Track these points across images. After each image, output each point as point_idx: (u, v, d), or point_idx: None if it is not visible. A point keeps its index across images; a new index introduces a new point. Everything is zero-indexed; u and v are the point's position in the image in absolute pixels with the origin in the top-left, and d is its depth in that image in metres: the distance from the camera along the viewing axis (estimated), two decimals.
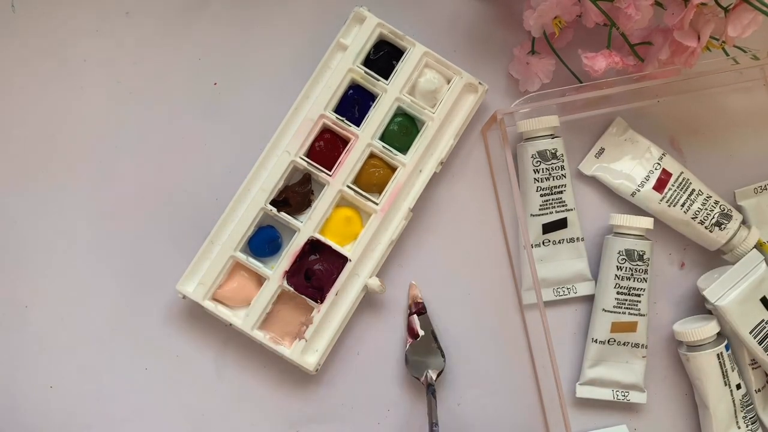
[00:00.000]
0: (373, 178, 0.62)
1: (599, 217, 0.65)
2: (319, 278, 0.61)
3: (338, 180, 0.61)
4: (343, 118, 0.62)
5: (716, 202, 0.63)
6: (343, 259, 0.61)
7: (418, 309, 0.62)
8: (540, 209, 0.62)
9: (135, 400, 0.62)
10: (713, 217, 0.62)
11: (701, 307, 0.65)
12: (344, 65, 0.62)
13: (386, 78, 0.62)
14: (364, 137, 0.61)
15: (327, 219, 0.62)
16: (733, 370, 0.61)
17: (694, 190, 0.63)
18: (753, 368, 0.63)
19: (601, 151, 0.65)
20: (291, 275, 0.61)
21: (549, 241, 0.63)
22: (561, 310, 0.65)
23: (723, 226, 0.62)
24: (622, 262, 0.61)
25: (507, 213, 0.64)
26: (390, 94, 0.62)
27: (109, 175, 0.63)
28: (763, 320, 0.60)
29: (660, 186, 0.63)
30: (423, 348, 0.61)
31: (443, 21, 0.65)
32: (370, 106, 0.62)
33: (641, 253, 0.61)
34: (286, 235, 0.62)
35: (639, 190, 0.63)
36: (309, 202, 0.62)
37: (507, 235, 0.65)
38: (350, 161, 0.61)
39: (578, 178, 0.65)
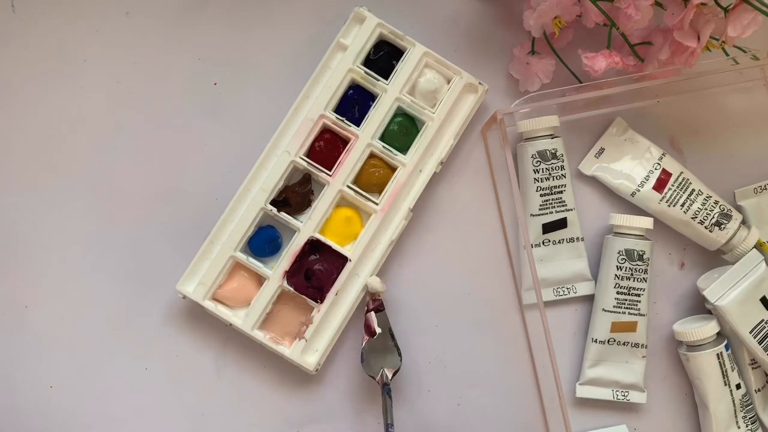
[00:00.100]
0: (373, 178, 0.62)
1: (599, 217, 0.65)
2: (319, 278, 0.61)
3: (338, 180, 0.61)
4: (343, 118, 0.62)
5: (716, 202, 0.63)
6: (343, 259, 0.61)
7: (376, 306, 0.61)
8: (540, 209, 0.63)
9: (135, 400, 0.62)
10: (713, 217, 0.62)
11: (701, 307, 0.65)
12: (344, 65, 0.62)
13: (386, 78, 0.62)
14: (364, 137, 0.61)
15: (327, 219, 0.62)
16: (732, 370, 0.61)
17: (694, 190, 0.63)
18: (753, 368, 0.63)
19: (601, 151, 0.65)
20: (291, 275, 0.61)
21: (549, 241, 0.63)
22: (561, 310, 0.65)
23: (723, 226, 0.62)
24: (622, 262, 0.61)
25: (507, 213, 0.64)
26: (390, 94, 0.62)
27: (109, 175, 0.63)
28: (762, 320, 0.60)
29: (660, 186, 0.63)
30: (380, 346, 0.60)
31: (443, 21, 0.65)
32: (370, 106, 0.62)
33: (641, 253, 0.61)
34: (286, 235, 0.62)
35: (639, 190, 0.63)
36: (309, 202, 0.62)
37: (507, 235, 0.65)
38: (350, 161, 0.61)
39: (578, 178, 0.65)
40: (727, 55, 0.61)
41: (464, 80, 0.62)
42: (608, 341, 0.62)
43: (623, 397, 0.63)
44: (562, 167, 0.62)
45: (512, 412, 0.64)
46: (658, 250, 0.65)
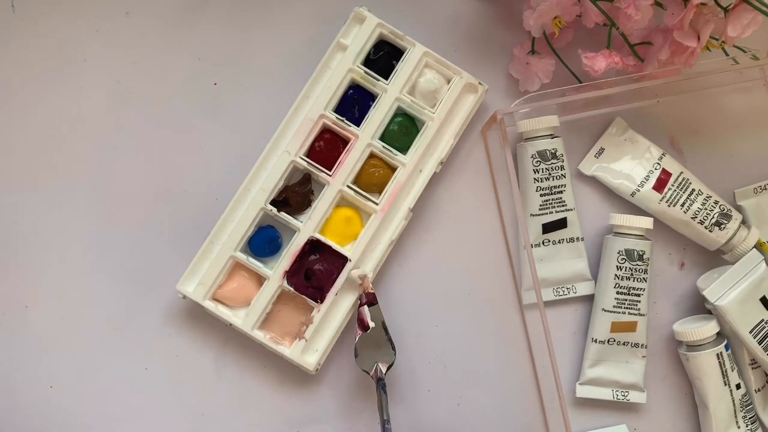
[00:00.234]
0: (373, 178, 0.62)
1: (599, 217, 0.65)
2: (319, 278, 0.61)
3: (338, 180, 0.61)
4: (343, 118, 0.62)
5: (716, 202, 0.63)
6: (343, 259, 0.61)
7: (369, 300, 0.60)
8: (540, 209, 0.63)
9: (135, 400, 0.62)
10: (713, 217, 0.62)
11: (701, 307, 0.65)
12: (344, 65, 0.62)
13: (386, 78, 0.62)
14: (364, 137, 0.61)
15: (327, 219, 0.62)
16: (732, 370, 0.61)
17: (693, 190, 0.63)
18: (753, 368, 0.63)
19: (601, 151, 0.65)
20: (291, 275, 0.61)
21: (549, 241, 0.63)
22: (561, 310, 0.65)
23: (723, 226, 0.63)
24: (622, 262, 0.61)
25: (507, 213, 0.64)
26: (390, 94, 0.62)
27: (109, 175, 0.63)
28: (762, 320, 0.60)
29: (660, 186, 0.63)
30: (373, 341, 0.60)
31: (443, 21, 0.65)
32: (370, 106, 0.62)
33: (641, 253, 0.61)
34: (286, 235, 0.62)
35: (639, 190, 0.63)
36: (309, 202, 0.62)
37: (507, 235, 0.65)
38: (350, 161, 0.61)
39: (578, 178, 0.65)
40: (727, 55, 0.61)
41: (464, 80, 0.62)
42: (608, 341, 0.62)
43: (623, 397, 0.63)
44: (562, 167, 0.62)
45: (512, 412, 0.64)
46: (658, 250, 0.65)
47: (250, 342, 0.61)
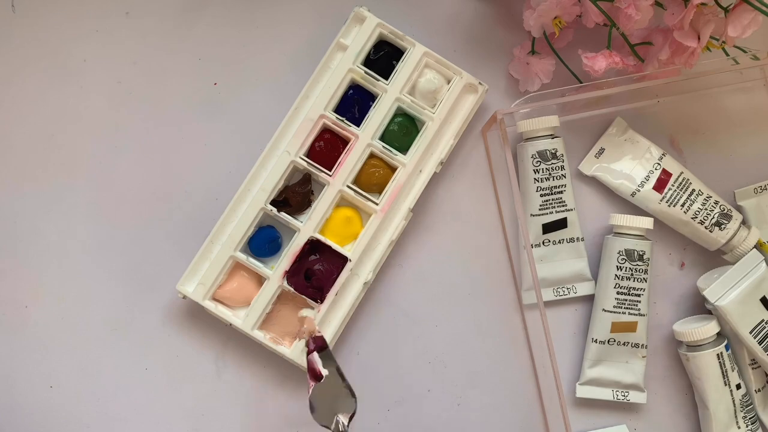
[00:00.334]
0: (373, 178, 0.62)
1: (599, 217, 0.65)
2: (319, 278, 0.61)
3: (338, 180, 0.61)
4: (343, 118, 0.62)
5: (716, 202, 0.63)
6: (343, 259, 0.61)
7: (318, 345, 0.55)
8: (540, 209, 0.63)
9: (135, 400, 0.62)
10: (713, 217, 0.62)
11: (701, 307, 0.65)
12: (344, 65, 0.62)
13: (386, 78, 0.62)
14: (364, 137, 0.61)
15: (327, 219, 0.62)
16: (733, 370, 0.61)
17: (694, 190, 0.63)
18: (753, 368, 0.63)
19: (601, 151, 0.65)
20: (291, 275, 0.61)
21: (549, 241, 0.63)
22: (561, 310, 0.65)
23: (723, 226, 0.62)
24: (622, 262, 0.61)
25: (507, 213, 0.64)
26: (390, 94, 0.62)
27: (109, 175, 0.63)
28: (763, 320, 0.60)
29: (660, 186, 0.63)
30: (330, 390, 0.53)
31: (443, 21, 0.65)
32: (370, 106, 0.62)
33: (641, 253, 0.61)
34: (286, 235, 0.62)
35: (639, 190, 0.63)
36: (309, 202, 0.62)
37: (507, 235, 0.65)
38: (350, 161, 0.61)
39: (578, 178, 0.65)
40: (727, 55, 0.61)
41: (464, 80, 0.62)
42: (608, 341, 0.62)
43: (623, 397, 0.63)
44: (562, 167, 0.62)
45: (512, 412, 0.64)
46: (658, 250, 0.65)
47: (250, 342, 0.61)
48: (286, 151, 0.61)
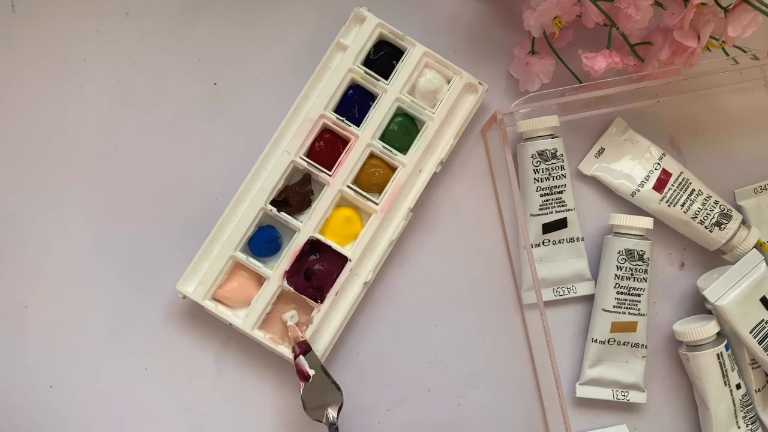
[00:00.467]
0: (373, 178, 0.62)
1: (599, 217, 0.65)
2: (319, 278, 0.61)
3: (338, 180, 0.61)
4: (343, 118, 0.62)
5: (716, 202, 0.63)
6: (343, 259, 0.61)
7: (303, 349, 0.59)
8: (540, 209, 0.62)
9: (135, 400, 0.62)
10: (713, 217, 0.62)
11: (701, 307, 0.65)
12: (344, 65, 0.62)
13: (386, 78, 0.62)
14: (364, 137, 0.61)
15: (327, 219, 0.62)
16: (733, 370, 0.61)
17: (694, 190, 0.63)
18: (753, 368, 0.63)
19: (601, 151, 0.65)
20: (291, 275, 0.61)
21: (549, 241, 0.63)
22: (561, 310, 0.65)
23: (723, 226, 0.62)
24: (622, 262, 0.61)
25: (507, 213, 0.64)
26: (390, 94, 0.62)
27: (109, 175, 0.63)
28: (762, 320, 0.60)
29: (660, 186, 0.63)
30: (318, 387, 0.59)
31: (443, 21, 0.65)
32: (370, 106, 0.62)
33: (641, 253, 0.61)
34: (286, 235, 0.62)
35: (639, 190, 0.63)
36: (309, 202, 0.62)
37: (507, 235, 0.65)
38: (350, 161, 0.61)
39: (578, 178, 0.65)
40: (727, 55, 0.61)
41: (464, 80, 0.62)
42: (608, 341, 0.62)
43: (623, 397, 0.63)
44: (562, 167, 0.62)
45: (512, 412, 0.64)
46: (658, 250, 0.65)
47: (250, 342, 0.61)
48: (286, 151, 0.61)
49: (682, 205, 0.63)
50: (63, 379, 0.62)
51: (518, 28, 0.64)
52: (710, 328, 0.61)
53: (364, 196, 0.61)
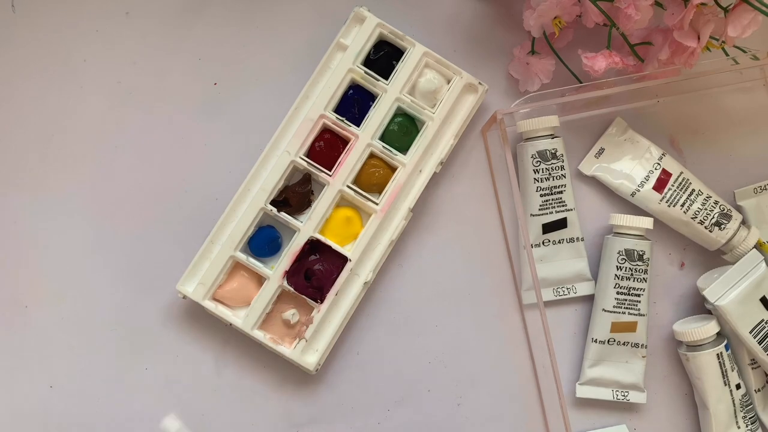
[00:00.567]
0: (373, 178, 0.62)
1: (599, 217, 0.65)
2: (319, 278, 0.61)
3: (338, 180, 0.61)
4: (343, 118, 0.62)
5: (716, 202, 0.63)
6: (343, 259, 0.61)
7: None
8: (540, 209, 0.62)
9: (135, 400, 0.62)
10: (713, 217, 0.62)
11: (701, 307, 0.65)
12: (344, 65, 0.62)
13: (386, 78, 0.62)
14: (364, 137, 0.61)
15: (327, 219, 0.62)
16: (732, 370, 0.61)
17: (693, 190, 0.63)
18: (753, 368, 0.63)
19: (601, 151, 0.65)
20: (291, 275, 0.61)
21: (549, 241, 0.63)
22: (561, 310, 0.65)
23: (723, 226, 0.62)
24: (622, 262, 0.61)
25: (507, 213, 0.64)
26: (390, 94, 0.62)
27: (109, 175, 0.63)
28: (762, 320, 0.60)
29: (660, 186, 0.63)
30: None
31: (443, 21, 0.65)
32: (370, 106, 0.62)
33: (641, 253, 0.61)
34: (286, 235, 0.62)
35: (639, 190, 0.63)
36: (309, 202, 0.62)
37: (507, 235, 0.65)
38: (350, 161, 0.61)
39: (578, 178, 0.65)
40: (727, 55, 0.61)
41: (464, 80, 0.62)
42: (608, 341, 0.62)
43: (623, 397, 0.63)
44: (562, 167, 0.62)
45: (512, 412, 0.64)
46: (658, 250, 0.65)
47: (250, 342, 0.61)
48: (286, 151, 0.61)
49: (682, 205, 0.63)
50: (63, 379, 0.62)
51: (518, 28, 0.64)
52: (710, 328, 0.61)
53: (364, 196, 0.61)
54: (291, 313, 0.60)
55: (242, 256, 0.60)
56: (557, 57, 0.63)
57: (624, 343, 0.62)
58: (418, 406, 0.63)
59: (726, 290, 0.60)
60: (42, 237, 0.62)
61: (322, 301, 0.60)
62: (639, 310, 0.62)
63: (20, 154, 0.63)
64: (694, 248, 0.65)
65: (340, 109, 0.62)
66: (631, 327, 0.62)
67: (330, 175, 0.61)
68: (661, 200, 0.63)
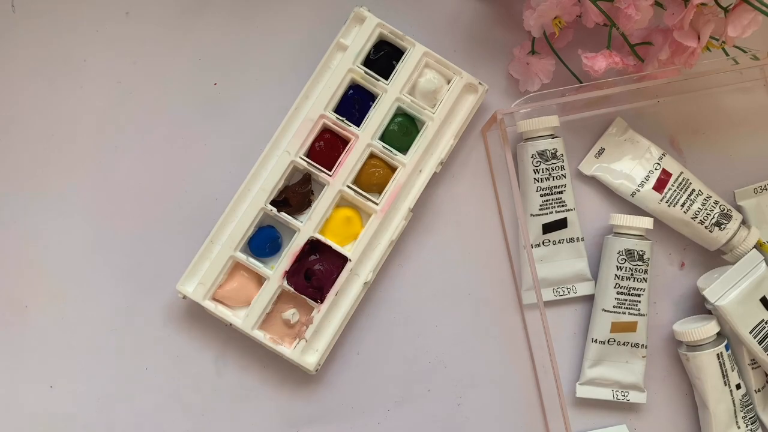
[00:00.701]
0: (373, 178, 0.62)
1: (599, 217, 0.65)
2: (319, 278, 0.61)
3: (338, 180, 0.61)
4: (343, 118, 0.62)
5: (716, 202, 0.63)
6: (343, 259, 0.61)
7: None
8: (540, 209, 0.62)
9: (135, 400, 0.62)
10: (713, 217, 0.62)
11: (701, 307, 0.65)
12: (344, 65, 0.62)
13: (386, 78, 0.62)
14: (364, 137, 0.61)
15: (327, 219, 0.62)
16: (732, 370, 0.61)
17: (694, 190, 0.63)
18: (753, 368, 0.63)
19: (601, 151, 0.65)
20: (291, 275, 0.61)
21: (549, 241, 0.63)
22: (561, 310, 0.65)
23: (723, 226, 0.62)
24: (622, 262, 0.61)
25: (507, 213, 0.64)
26: (390, 94, 0.62)
27: (109, 175, 0.63)
28: (762, 320, 0.60)
29: (660, 186, 0.63)
30: None
31: (443, 21, 0.65)
32: (370, 106, 0.62)
33: (641, 253, 0.61)
34: (286, 235, 0.62)
35: (639, 190, 0.63)
36: (309, 202, 0.62)
37: (507, 235, 0.65)
38: (350, 161, 0.61)
39: (578, 178, 0.65)
40: (727, 55, 0.61)
41: (464, 80, 0.62)
42: (608, 341, 0.62)
43: (623, 397, 0.63)
44: (562, 167, 0.62)
45: (512, 412, 0.64)
46: (658, 250, 0.65)
47: (250, 342, 0.61)
48: (286, 151, 0.61)
49: (682, 205, 0.63)
50: (63, 379, 0.62)
51: (518, 28, 0.64)
52: (710, 328, 0.61)
53: (364, 196, 0.61)
54: (291, 313, 0.60)
55: (242, 256, 0.60)
56: (557, 57, 0.63)
57: (624, 343, 0.62)
58: (418, 406, 0.63)
59: (726, 290, 0.60)
60: (42, 237, 0.62)
61: (322, 301, 0.60)
62: (639, 310, 0.62)
63: (20, 154, 0.63)
64: (694, 248, 0.65)
65: (340, 109, 0.62)
66: (631, 327, 0.62)
67: (330, 175, 0.61)
68: (661, 200, 0.63)
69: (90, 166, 0.63)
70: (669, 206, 0.63)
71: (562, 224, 0.63)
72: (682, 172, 0.63)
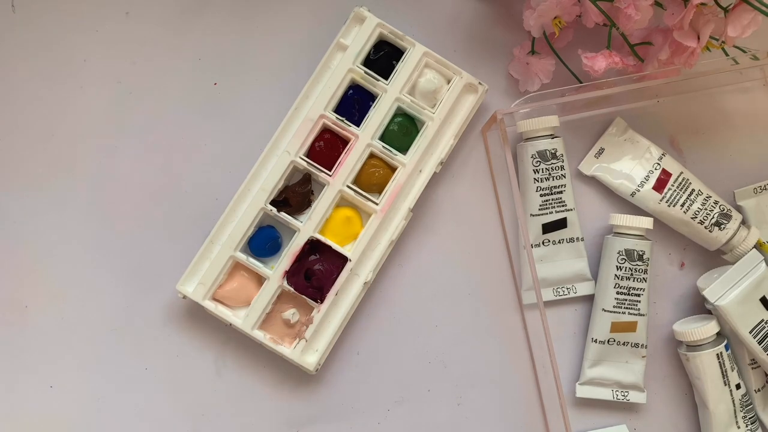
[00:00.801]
0: (373, 178, 0.62)
1: (599, 217, 0.65)
2: (319, 278, 0.61)
3: (338, 180, 0.61)
4: (343, 118, 0.62)
5: (716, 202, 0.63)
6: (343, 259, 0.61)
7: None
8: (540, 209, 0.63)
9: (135, 400, 0.62)
10: (713, 217, 0.62)
11: (701, 307, 0.65)
12: (344, 65, 0.62)
13: (386, 78, 0.62)
14: (364, 137, 0.61)
15: (327, 219, 0.62)
16: (732, 370, 0.61)
17: (693, 190, 0.63)
18: (753, 368, 0.63)
19: (601, 151, 0.65)
20: (291, 275, 0.61)
21: (549, 241, 0.63)
22: (561, 310, 0.65)
23: (723, 226, 0.62)
24: (622, 262, 0.61)
25: (507, 213, 0.64)
26: (390, 94, 0.62)
27: (109, 175, 0.63)
28: (762, 320, 0.60)
29: (660, 186, 0.63)
30: None
31: (443, 21, 0.65)
32: (370, 106, 0.62)
33: (641, 253, 0.61)
34: (286, 235, 0.62)
35: (639, 190, 0.63)
36: (309, 202, 0.62)
37: (507, 235, 0.65)
38: (350, 161, 0.61)
39: (578, 178, 0.65)
40: (727, 55, 0.61)
41: (464, 80, 0.62)
42: (608, 341, 0.62)
43: (623, 397, 0.63)
44: (562, 167, 0.62)
45: (512, 412, 0.64)
46: (658, 250, 0.65)
47: (250, 342, 0.61)
48: (286, 151, 0.61)
49: (682, 205, 0.63)
50: (63, 379, 0.62)
51: (518, 28, 0.64)
52: (710, 328, 0.61)
53: (364, 196, 0.61)
54: (291, 313, 0.60)
55: (242, 256, 0.60)
56: (557, 57, 0.63)
57: (624, 343, 0.62)
58: (418, 406, 0.63)
59: (726, 290, 0.60)
60: (42, 237, 0.62)
61: (322, 301, 0.60)
62: (639, 310, 0.62)
63: (20, 154, 0.63)
64: (694, 248, 0.65)
65: (340, 109, 0.62)
66: (631, 327, 0.62)
67: (330, 175, 0.61)
68: (661, 200, 0.63)
69: (90, 166, 0.63)
70: (669, 206, 0.63)
71: (562, 224, 0.63)
72: (681, 172, 0.63)
